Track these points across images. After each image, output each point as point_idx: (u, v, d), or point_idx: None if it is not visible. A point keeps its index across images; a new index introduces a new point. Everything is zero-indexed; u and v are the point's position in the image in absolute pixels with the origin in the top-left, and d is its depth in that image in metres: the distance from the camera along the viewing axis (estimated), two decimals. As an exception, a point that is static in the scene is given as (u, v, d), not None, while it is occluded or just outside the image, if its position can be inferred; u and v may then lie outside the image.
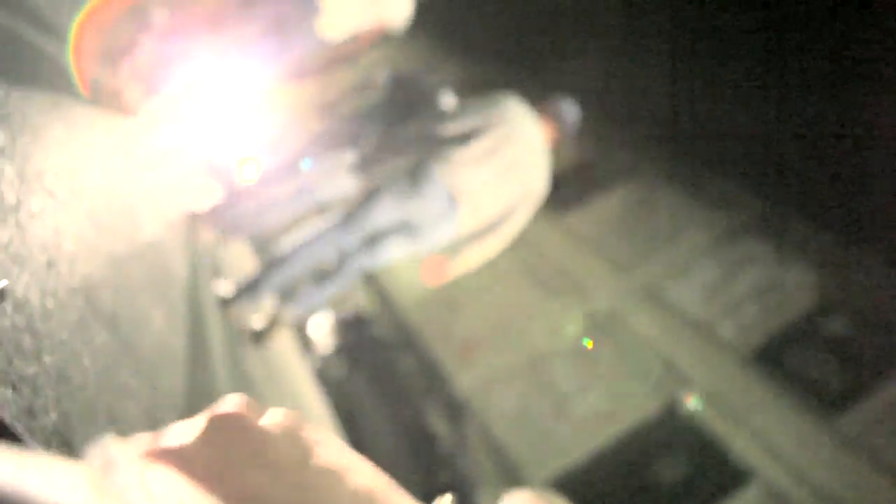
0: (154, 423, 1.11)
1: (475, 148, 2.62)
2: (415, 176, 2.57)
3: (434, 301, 7.78)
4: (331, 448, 0.29)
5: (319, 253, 2.66)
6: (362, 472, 0.28)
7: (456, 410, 6.43)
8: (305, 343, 6.79)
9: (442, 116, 2.72)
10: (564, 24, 8.80)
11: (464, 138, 2.62)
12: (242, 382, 2.37)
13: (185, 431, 0.27)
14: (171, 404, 1.30)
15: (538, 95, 3.09)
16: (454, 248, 2.81)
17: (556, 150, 2.93)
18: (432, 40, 10.34)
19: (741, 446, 5.70)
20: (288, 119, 4.07)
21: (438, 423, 6.34)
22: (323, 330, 6.91)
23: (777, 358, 6.27)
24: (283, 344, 5.42)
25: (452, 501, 0.28)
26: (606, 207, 8.00)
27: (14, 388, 0.75)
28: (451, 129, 2.64)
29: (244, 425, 0.27)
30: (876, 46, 5.99)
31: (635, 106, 7.98)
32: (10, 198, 1.05)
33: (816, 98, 6.51)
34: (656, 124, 7.82)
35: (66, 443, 0.79)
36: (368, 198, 2.61)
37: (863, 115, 6.18)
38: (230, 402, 0.29)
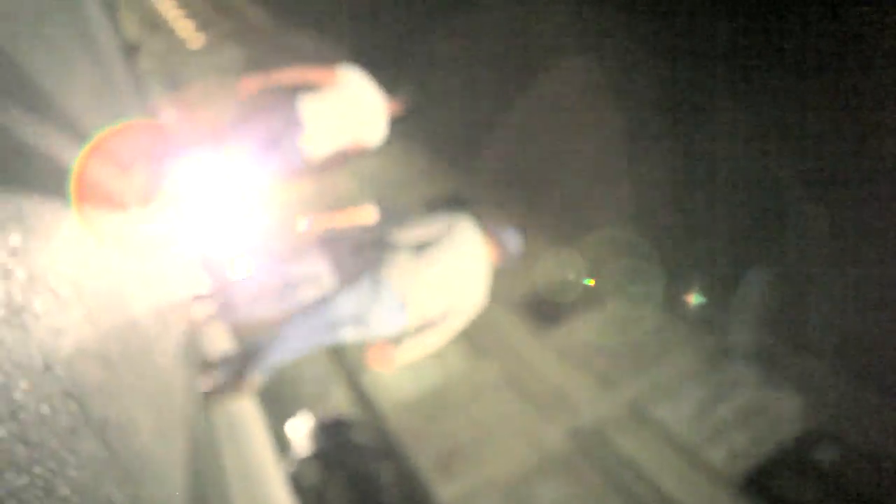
0: (133, 539, 1.07)
1: (426, 258, 3.02)
2: (375, 282, 2.96)
3: (417, 409, 7.64)
4: None
5: (293, 343, 2.97)
6: None
7: (433, 526, 6.16)
8: (282, 445, 6.59)
9: (403, 225, 3.13)
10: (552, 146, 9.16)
11: (418, 247, 3.03)
12: (216, 485, 2.30)
13: None
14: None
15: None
16: (398, 340, 3.14)
17: (504, 267, 3.41)
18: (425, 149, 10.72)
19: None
20: (278, 218, 4.20)
21: (414, 539, 6.06)
22: (301, 432, 6.72)
23: (765, 485, 6.13)
24: (260, 443, 5.26)
25: None
26: (594, 324, 8.04)
27: (3, 501, 0.73)
28: (407, 237, 3.05)
29: None
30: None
31: (625, 227, 8.20)
32: (18, 299, 1.07)
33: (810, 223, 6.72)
34: (647, 244, 8.00)
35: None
36: (337, 294, 2.98)
37: (858, 240, 6.36)
38: None
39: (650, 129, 8.23)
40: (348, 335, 3.07)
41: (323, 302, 2.98)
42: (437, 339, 3.17)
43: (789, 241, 6.94)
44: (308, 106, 3.46)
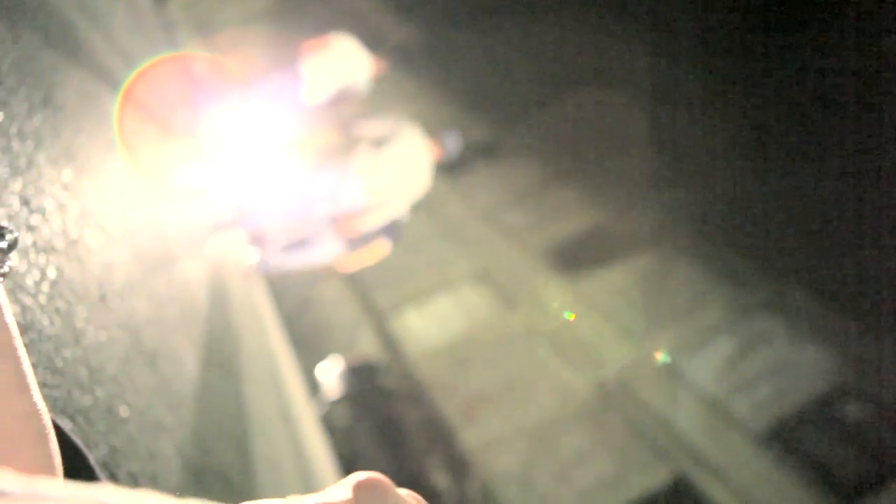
0: (186, 461, 1.14)
1: (383, 151, 3.77)
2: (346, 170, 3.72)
3: (444, 355, 7.75)
4: None
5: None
6: None
7: (458, 467, 6.34)
8: (313, 387, 6.77)
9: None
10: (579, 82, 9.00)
11: (376, 141, 3.77)
12: (260, 423, 2.39)
13: (339, 494, 0.29)
14: (201, 441, 1.33)
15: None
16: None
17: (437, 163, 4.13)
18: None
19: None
20: (307, 163, 4.28)
21: (440, 479, 6.24)
22: (331, 375, 6.90)
23: (791, 439, 6.15)
24: (293, 386, 5.41)
25: None
26: (623, 276, 8.01)
27: (73, 419, 0.78)
28: (368, 132, 3.80)
29: (387, 489, 0.30)
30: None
31: (655, 176, 8.08)
32: (74, 232, 1.11)
33: (835, 176, 6.57)
34: (679, 196, 7.90)
35: (113, 476, 0.82)
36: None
37: (883, 193, 6.22)
38: (370, 474, 0.31)
39: (685, 90, 8.03)
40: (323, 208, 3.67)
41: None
42: (384, 214, 3.91)
43: (823, 196, 6.80)
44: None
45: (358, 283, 8.43)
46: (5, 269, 0.34)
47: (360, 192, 3.68)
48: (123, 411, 0.96)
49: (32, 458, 0.35)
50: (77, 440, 0.48)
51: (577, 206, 8.97)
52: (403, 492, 0.32)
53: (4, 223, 0.36)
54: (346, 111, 4.50)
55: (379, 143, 3.79)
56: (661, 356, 6.22)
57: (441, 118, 11.23)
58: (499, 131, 10.56)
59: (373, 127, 3.88)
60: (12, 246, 0.34)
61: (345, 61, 4.28)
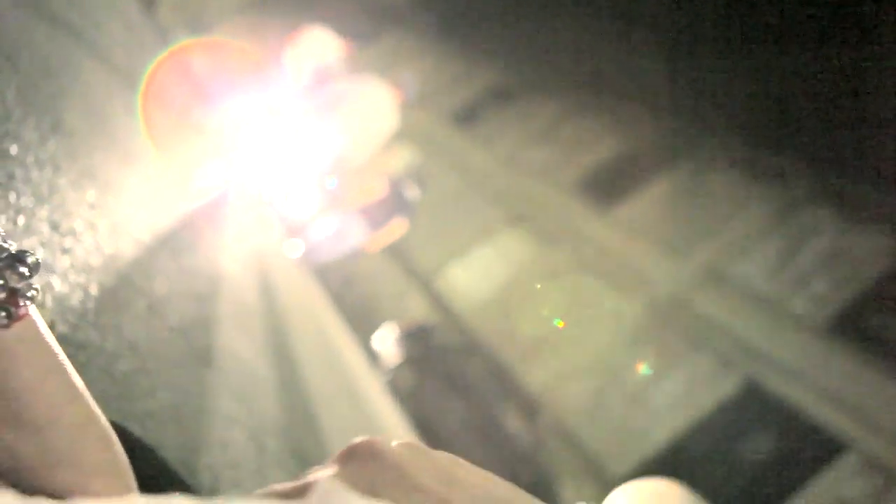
0: (260, 446, 1.18)
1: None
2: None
3: (494, 304, 7.80)
4: (462, 465, 0.32)
5: None
6: (496, 482, 0.31)
7: (529, 409, 6.42)
8: (373, 358, 6.90)
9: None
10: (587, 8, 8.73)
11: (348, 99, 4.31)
12: (327, 400, 2.45)
13: (325, 469, 0.29)
14: (272, 426, 1.37)
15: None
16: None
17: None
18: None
19: (829, 417, 5.52)
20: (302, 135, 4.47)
21: (514, 423, 6.34)
22: (388, 343, 7.01)
23: (855, 326, 6.05)
24: (353, 359, 5.53)
25: None
26: (656, 194, 7.88)
27: (142, 424, 0.81)
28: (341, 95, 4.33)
29: (374, 450, 0.30)
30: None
31: (674, 90, 7.85)
32: (108, 248, 1.13)
33: (869, 55, 6.28)
34: (696, 105, 7.67)
35: (192, 471, 0.85)
36: None
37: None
38: (361, 438, 0.31)
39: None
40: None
41: None
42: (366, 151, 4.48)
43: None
44: None
45: (397, 251, 8.49)
46: (32, 292, 0.35)
47: (346, 139, 4.06)
48: (189, 410, 0.99)
49: (96, 463, 0.36)
50: (150, 443, 0.50)
51: (600, 134, 8.80)
52: (400, 443, 0.32)
53: (29, 249, 0.37)
54: (327, 87, 4.97)
55: (350, 100, 4.24)
56: (643, 369, 6.24)
57: (449, 70, 11.08)
58: (508, 74, 10.37)
59: (343, 89, 4.30)
60: (35, 268, 0.35)
61: (319, 48, 4.87)
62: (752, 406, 5.94)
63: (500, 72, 10.64)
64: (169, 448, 0.85)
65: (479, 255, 8.60)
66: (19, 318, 0.33)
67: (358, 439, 0.31)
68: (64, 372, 0.37)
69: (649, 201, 7.83)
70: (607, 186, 8.17)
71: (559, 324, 6.91)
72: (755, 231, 7.02)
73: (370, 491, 0.27)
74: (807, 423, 5.62)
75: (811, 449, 5.46)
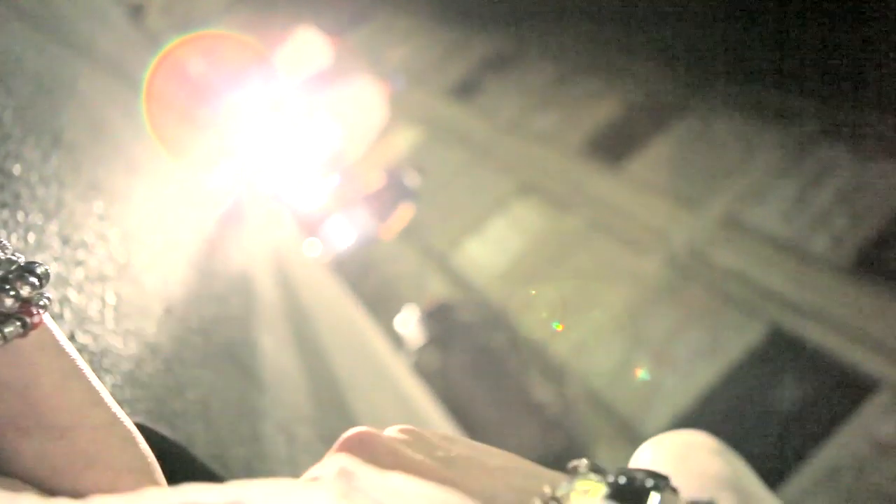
0: (290, 436, 1.19)
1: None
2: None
3: (512, 275, 7.80)
4: (457, 441, 0.32)
5: None
6: (491, 453, 0.32)
7: (556, 376, 6.45)
8: (396, 340, 6.95)
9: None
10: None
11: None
12: (355, 386, 2.47)
13: (327, 467, 0.29)
14: (300, 416, 1.39)
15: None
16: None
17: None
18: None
19: (858, 356, 5.49)
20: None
21: (542, 392, 6.38)
22: (411, 325, 7.05)
23: (879, 261, 5.98)
24: (378, 344, 5.57)
25: (587, 465, 0.28)
26: (664, 147, 7.80)
27: (171, 424, 0.83)
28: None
29: (372, 440, 0.30)
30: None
31: (671, 42, 7.72)
32: (121, 257, 1.15)
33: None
34: (695, 54, 7.55)
35: (225, 465, 0.87)
36: None
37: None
38: (352, 430, 0.31)
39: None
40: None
41: None
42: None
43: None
44: None
45: (411, 233, 8.49)
46: (44, 301, 0.36)
47: (341, 133, 4.26)
48: (217, 406, 1.01)
49: (122, 462, 0.37)
50: (180, 441, 0.51)
51: (602, 94, 8.70)
52: (394, 429, 0.32)
53: (39, 260, 0.38)
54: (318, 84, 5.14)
55: (340, 95, 4.45)
56: (640, 373, 6.23)
57: (443, 45, 10.98)
58: (503, 42, 10.26)
59: (333, 84, 4.45)
60: (45, 277, 0.36)
61: (307, 48, 5.02)
62: (779, 353, 5.92)
63: (494, 40, 10.54)
64: (199, 445, 0.86)
65: (493, 228, 8.59)
66: (34, 326, 0.34)
67: (349, 432, 0.31)
68: (83, 376, 0.38)
69: (658, 156, 7.76)
70: (614, 145, 8.10)
71: (558, 327, 6.96)
72: (768, 174, 6.94)
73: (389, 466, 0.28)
74: (836, 364, 5.59)
75: (842, 391, 5.44)
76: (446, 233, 8.75)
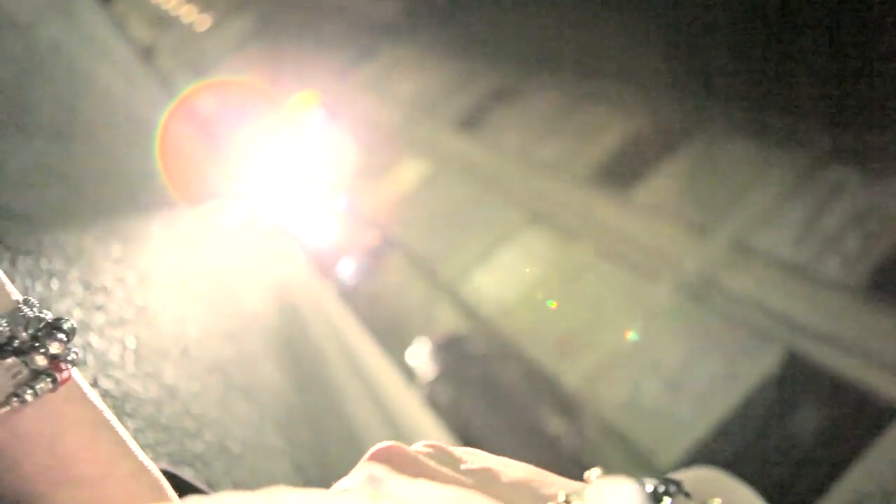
0: (305, 476, 1.19)
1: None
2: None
3: (522, 306, 7.78)
4: (478, 454, 0.33)
5: None
6: (513, 466, 0.32)
7: (570, 408, 6.39)
8: (408, 374, 6.92)
9: None
10: None
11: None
12: (366, 422, 2.46)
13: (355, 478, 0.30)
14: (314, 456, 1.39)
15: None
16: None
17: None
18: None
19: (876, 380, 5.41)
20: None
21: (555, 424, 6.31)
22: (422, 357, 7.03)
23: (891, 283, 5.93)
24: (389, 378, 5.55)
25: (601, 473, 0.29)
26: (672, 173, 7.82)
27: (192, 466, 0.83)
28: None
29: (400, 454, 0.31)
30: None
31: (676, 67, 7.80)
32: (139, 300, 1.16)
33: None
34: (700, 78, 7.61)
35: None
36: None
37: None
38: (379, 444, 0.32)
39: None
40: None
41: None
42: None
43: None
44: None
45: (419, 264, 8.51)
46: (73, 356, 0.37)
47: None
48: (235, 447, 1.01)
49: None
50: (201, 485, 0.51)
51: (607, 121, 8.77)
52: (420, 444, 0.33)
53: (66, 312, 0.40)
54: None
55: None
56: (630, 335, 6.19)
57: (449, 77, 11.12)
58: (508, 73, 10.38)
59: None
60: (72, 333, 0.37)
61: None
62: (796, 379, 5.85)
63: (499, 71, 10.66)
64: (221, 486, 0.86)
65: (502, 258, 8.59)
66: (64, 381, 0.35)
67: (377, 445, 0.32)
68: (111, 427, 0.39)
69: (666, 182, 7.78)
70: (621, 172, 8.13)
71: (552, 304, 6.91)
72: (778, 198, 6.93)
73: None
74: (854, 390, 5.51)
75: (862, 417, 5.35)
76: (455, 264, 8.75)
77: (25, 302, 0.36)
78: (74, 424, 0.36)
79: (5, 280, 0.37)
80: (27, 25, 1.91)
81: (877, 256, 6.14)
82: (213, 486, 0.87)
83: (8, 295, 0.36)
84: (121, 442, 0.38)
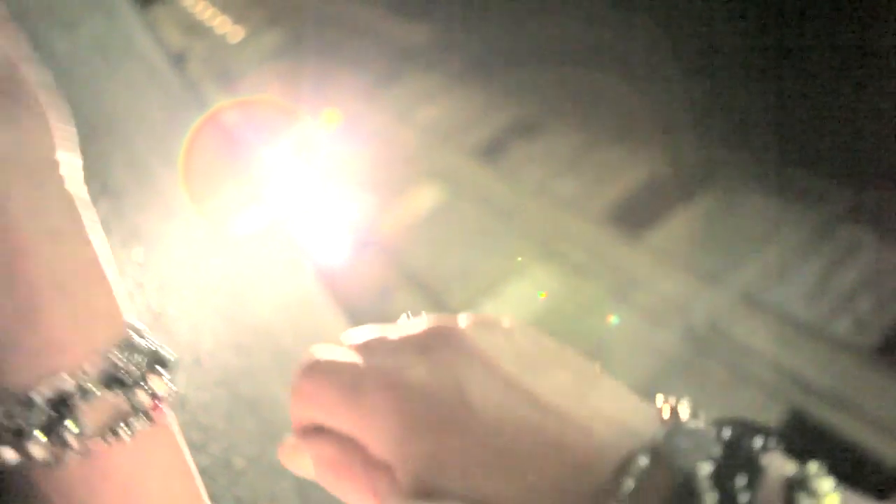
0: (306, 499, 1.18)
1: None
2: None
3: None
4: (540, 342, 0.30)
5: None
6: (578, 362, 0.29)
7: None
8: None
9: None
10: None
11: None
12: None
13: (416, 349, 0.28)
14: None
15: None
16: None
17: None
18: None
19: (884, 447, 5.33)
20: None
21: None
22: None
23: (902, 347, 5.87)
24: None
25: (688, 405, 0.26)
26: (687, 220, 7.81)
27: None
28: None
29: (459, 338, 0.28)
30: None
31: (698, 114, 7.84)
32: (156, 306, 1.17)
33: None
34: (722, 128, 7.65)
35: (245, 525, 0.86)
36: None
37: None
38: (433, 324, 0.30)
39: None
40: None
41: None
42: None
43: None
44: None
45: (428, 291, 8.51)
46: (171, 396, 0.34)
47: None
48: (239, 462, 1.00)
49: None
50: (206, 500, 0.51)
51: (626, 163, 8.80)
52: (466, 322, 0.30)
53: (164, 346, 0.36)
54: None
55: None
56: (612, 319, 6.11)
57: (471, 107, 11.24)
58: (531, 108, 10.46)
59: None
60: (174, 369, 0.34)
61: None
62: (800, 438, 5.75)
63: (522, 106, 10.75)
64: (223, 501, 0.86)
65: (511, 291, 8.57)
66: (159, 422, 0.32)
67: (431, 325, 0.29)
68: (191, 478, 0.35)
69: (680, 228, 7.77)
70: (637, 215, 8.13)
71: (542, 295, 6.81)
72: (792, 253, 6.91)
73: (458, 389, 0.25)
74: (860, 453, 5.42)
75: (867, 482, 5.25)
76: (464, 293, 8.74)
77: (132, 326, 0.33)
78: (156, 469, 0.32)
79: (121, 299, 0.33)
80: (71, 24, 1.95)
81: (888, 319, 6.09)
82: (218, 500, 0.86)
83: (122, 319, 0.33)
84: (197, 497, 0.35)
